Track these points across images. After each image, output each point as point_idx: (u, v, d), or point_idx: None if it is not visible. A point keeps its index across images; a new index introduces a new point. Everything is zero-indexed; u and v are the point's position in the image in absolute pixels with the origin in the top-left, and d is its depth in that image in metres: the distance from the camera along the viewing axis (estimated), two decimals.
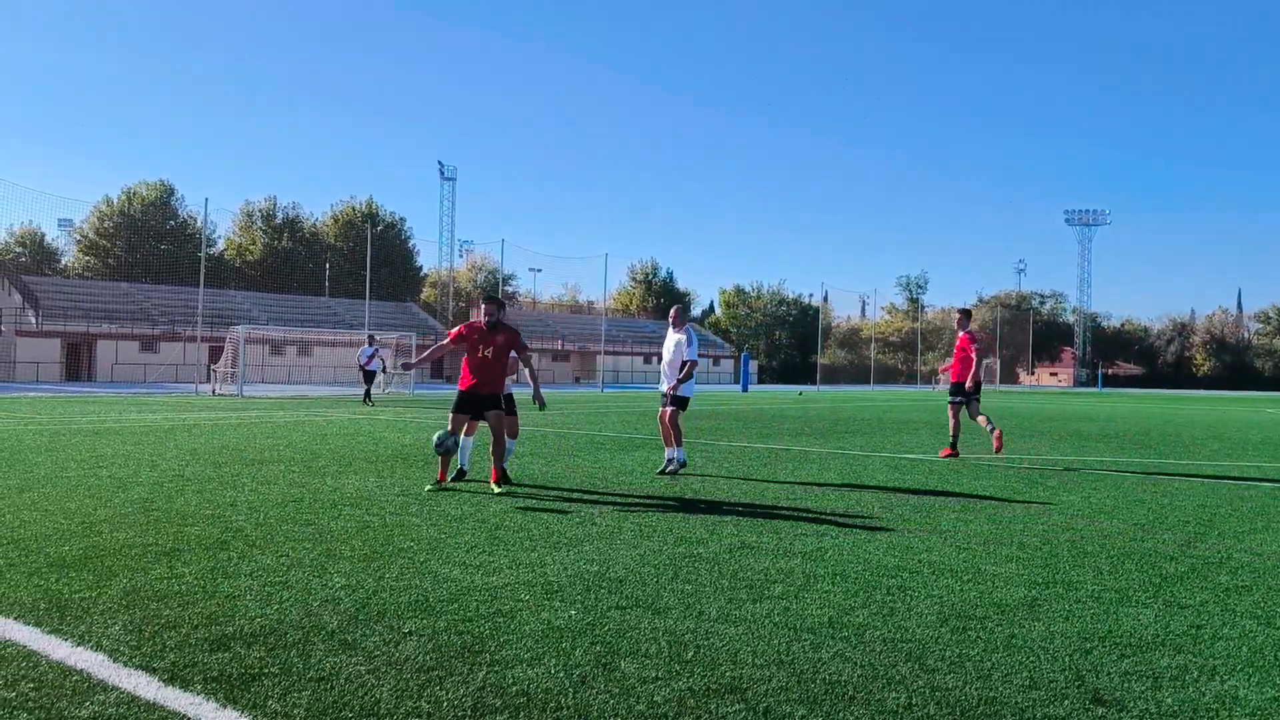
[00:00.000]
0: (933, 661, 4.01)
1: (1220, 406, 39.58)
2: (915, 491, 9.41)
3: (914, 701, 3.56)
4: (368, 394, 27.39)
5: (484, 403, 9.09)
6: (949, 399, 13.38)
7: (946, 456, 12.91)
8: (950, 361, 13.69)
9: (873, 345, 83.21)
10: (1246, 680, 3.86)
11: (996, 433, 12.80)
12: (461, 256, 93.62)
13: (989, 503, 8.72)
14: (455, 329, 9.53)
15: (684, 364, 10.60)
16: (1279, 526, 7.65)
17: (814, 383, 68.93)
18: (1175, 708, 3.54)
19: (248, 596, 4.84)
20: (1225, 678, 3.88)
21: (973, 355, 13.26)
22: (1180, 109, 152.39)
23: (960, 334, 13.62)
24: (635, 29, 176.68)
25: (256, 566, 5.52)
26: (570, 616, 4.59)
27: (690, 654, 4.06)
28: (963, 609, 4.87)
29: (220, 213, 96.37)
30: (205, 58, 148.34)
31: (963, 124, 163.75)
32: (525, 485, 9.30)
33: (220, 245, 75.91)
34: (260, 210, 78.65)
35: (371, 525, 6.94)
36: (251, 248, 77.12)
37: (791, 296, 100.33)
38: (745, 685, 3.70)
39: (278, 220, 78.52)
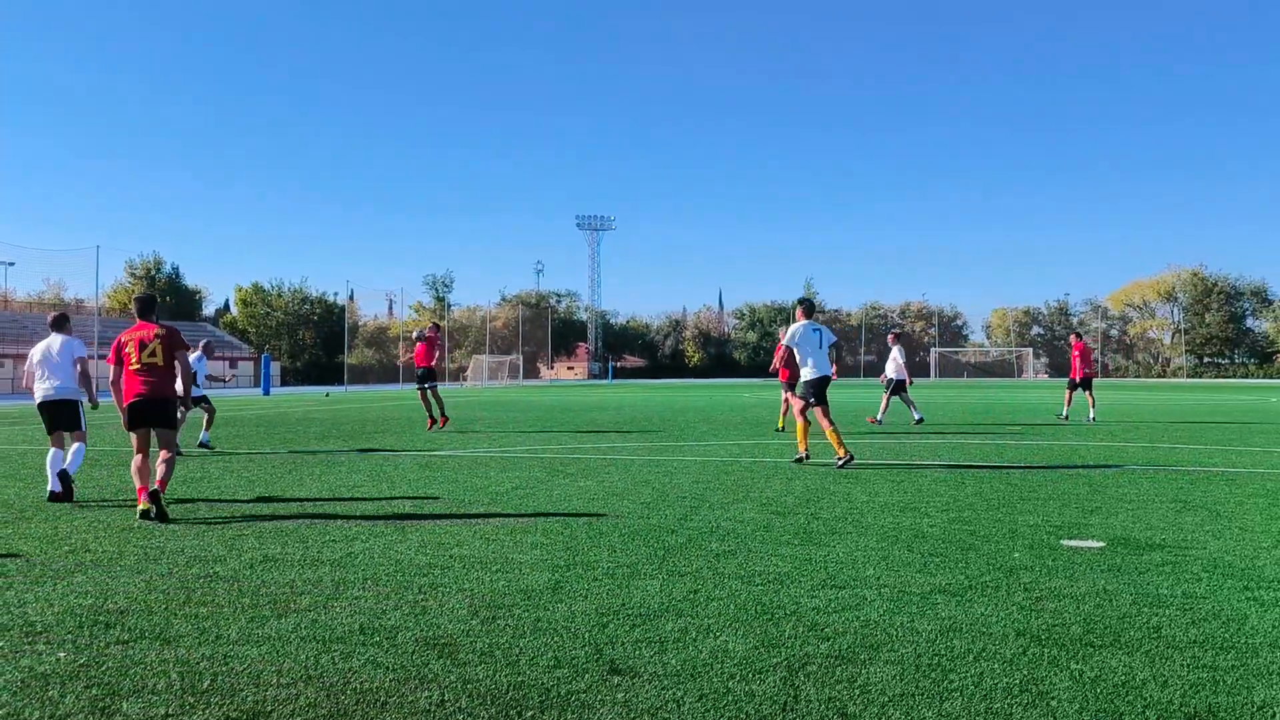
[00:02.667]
0: (464, 655, 4.07)
1: (707, 392, 44.99)
2: (445, 487, 9.52)
3: (446, 697, 3.58)
4: None
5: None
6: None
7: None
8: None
9: (401, 344, 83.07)
10: (735, 634, 4.39)
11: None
12: None
13: (516, 493, 9.07)
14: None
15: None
16: (755, 496, 8.83)
17: (342, 383, 67.18)
18: (679, 667, 3.93)
19: None
20: (718, 634, 4.38)
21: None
22: (674, 128, 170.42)
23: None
24: (101, 16, 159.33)
25: None
26: (59, 659, 4.01)
27: (206, 683, 3.73)
28: (492, 599, 5.00)
29: None
30: None
31: (481, 124, 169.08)
32: None
33: None
34: None
35: None
36: None
37: (316, 295, 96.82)
38: (270, 708, 3.48)
39: None
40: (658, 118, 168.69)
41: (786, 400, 16.78)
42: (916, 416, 19.81)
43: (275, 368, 66.38)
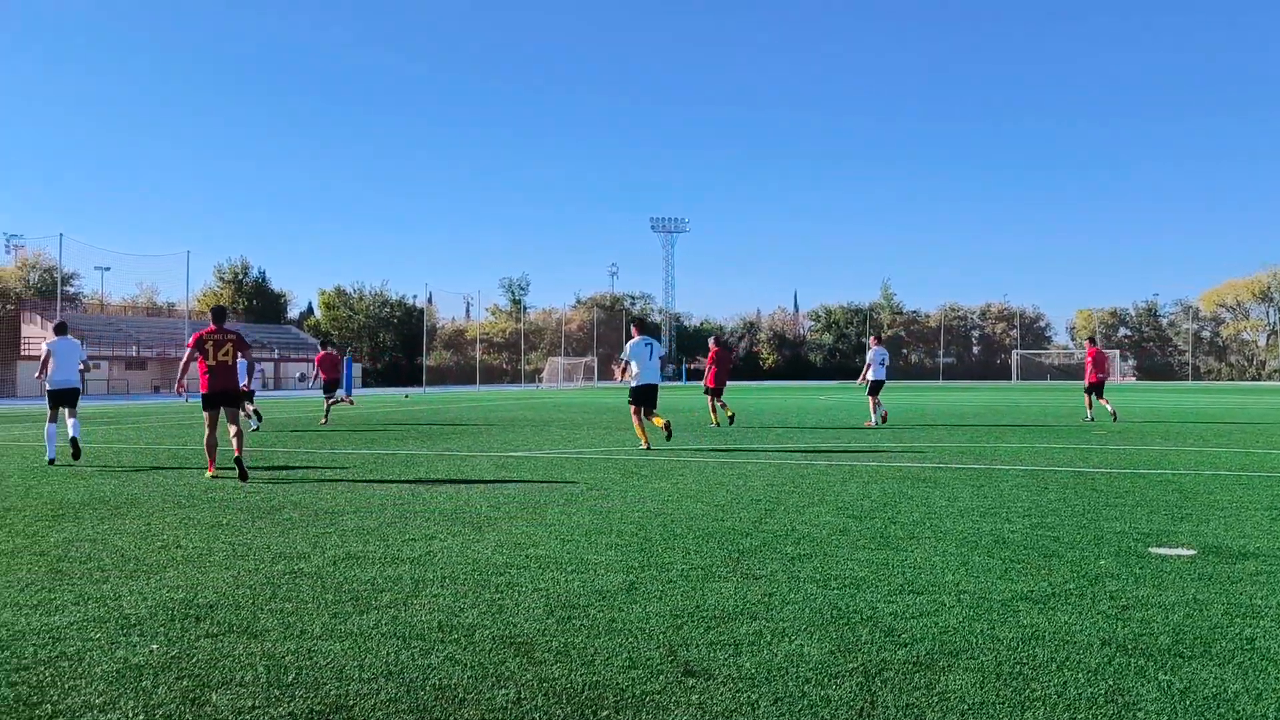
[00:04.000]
0: (540, 653, 4.12)
1: (781, 395, 44.71)
2: (521, 488, 9.63)
3: (523, 695, 3.62)
4: None
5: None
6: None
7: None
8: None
9: (478, 346, 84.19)
10: (810, 638, 4.35)
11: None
12: (9, 253, 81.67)
13: (590, 494, 9.13)
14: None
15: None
16: (831, 500, 8.75)
17: (420, 385, 68.36)
18: (754, 670, 3.91)
19: None
20: (794, 638, 4.35)
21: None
22: (751, 128, 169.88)
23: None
24: (189, 9, 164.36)
25: None
26: (151, 651, 4.15)
27: (291, 677, 3.83)
28: (568, 599, 5.04)
29: None
30: None
31: (557, 129, 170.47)
32: (95, 509, 8.30)
33: None
34: None
35: None
36: None
37: (395, 298, 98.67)
38: (352, 702, 3.56)
39: None
40: (733, 119, 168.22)
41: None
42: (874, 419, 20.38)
43: (356, 369, 67.80)
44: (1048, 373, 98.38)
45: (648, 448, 14.07)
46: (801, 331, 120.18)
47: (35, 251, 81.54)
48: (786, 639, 4.33)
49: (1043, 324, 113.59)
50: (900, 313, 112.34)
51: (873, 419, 20.31)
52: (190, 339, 11.35)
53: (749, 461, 12.36)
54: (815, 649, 4.19)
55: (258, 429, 18.79)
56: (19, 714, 3.42)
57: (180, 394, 11.87)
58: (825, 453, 13.62)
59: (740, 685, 3.74)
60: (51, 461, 12.18)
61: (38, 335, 64.11)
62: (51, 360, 12.99)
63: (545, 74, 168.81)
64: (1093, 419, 21.49)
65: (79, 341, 13.64)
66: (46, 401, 12.87)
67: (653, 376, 14.67)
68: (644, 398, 14.58)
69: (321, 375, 23.15)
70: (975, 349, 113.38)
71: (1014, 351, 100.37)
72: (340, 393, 23.51)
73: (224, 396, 10.92)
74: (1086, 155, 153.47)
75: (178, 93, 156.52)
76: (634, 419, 14.70)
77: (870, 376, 20.52)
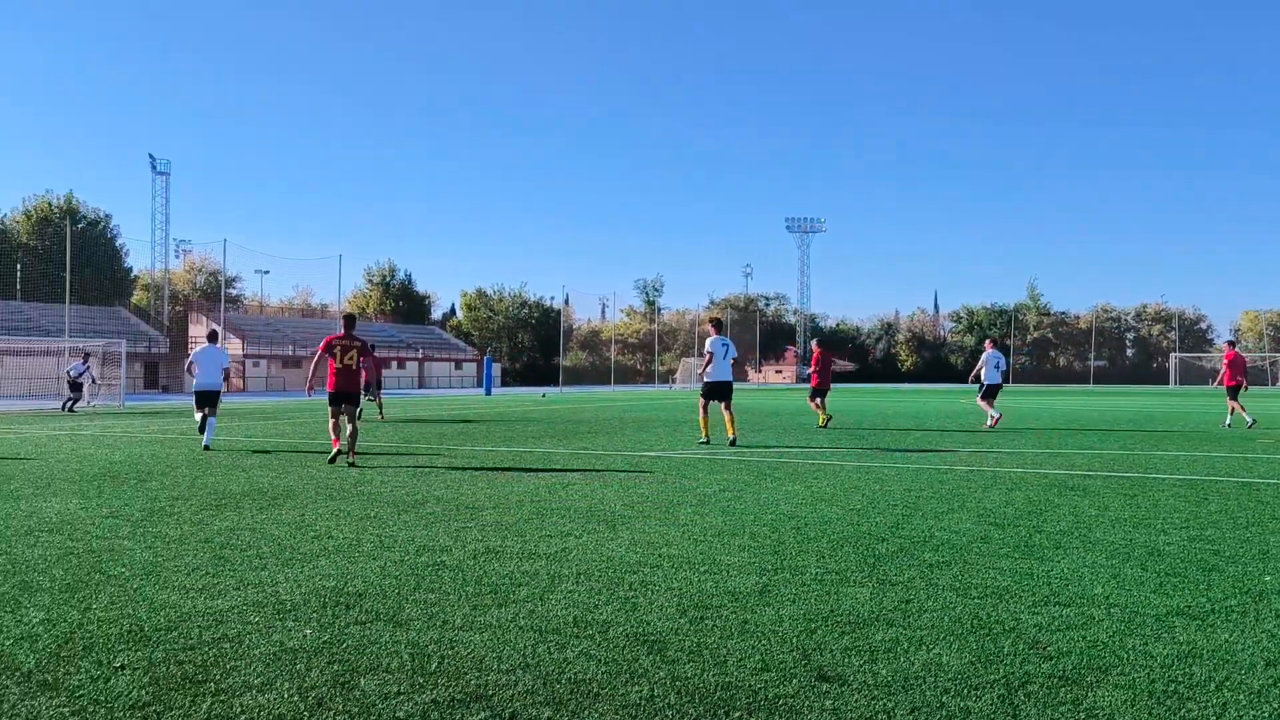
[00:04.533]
0: (673, 652, 4.14)
1: (920, 398, 43.59)
2: (654, 488, 9.70)
3: (656, 693, 3.66)
4: (72, 404, 28.11)
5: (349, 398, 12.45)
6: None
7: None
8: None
9: (613, 346, 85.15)
10: (949, 647, 4.25)
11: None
12: (178, 257, 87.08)
13: (723, 496, 9.13)
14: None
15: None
16: (972, 507, 8.50)
17: (557, 384, 69.62)
18: (889, 678, 3.84)
19: None
20: (931, 646, 4.26)
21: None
22: (884, 126, 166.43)
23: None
24: (366, 8, 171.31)
25: None
26: (305, 636, 4.37)
27: (434, 665, 3.97)
28: (700, 599, 5.06)
29: None
30: None
31: (691, 131, 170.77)
32: (254, 499, 8.78)
33: None
34: None
35: (75, 552, 6.30)
36: None
37: (533, 299, 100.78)
38: (491, 692, 3.66)
39: None
40: (870, 117, 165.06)
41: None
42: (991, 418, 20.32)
43: (496, 369, 69.55)
44: (1209, 377, 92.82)
45: (706, 440, 15.25)
46: (942, 333, 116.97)
47: (202, 256, 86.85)
48: (924, 647, 4.24)
49: (1204, 326, 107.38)
50: (1047, 313, 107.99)
51: (988, 421, 20.30)
52: (322, 343, 12.61)
53: (885, 466, 12.12)
54: (954, 658, 4.08)
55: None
56: (186, 691, 3.65)
57: (309, 393, 13.67)
58: (965, 457, 13.23)
59: (875, 692, 3.68)
60: (206, 448, 14.10)
61: (203, 335, 68.18)
62: (195, 366, 15.16)
63: (684, 75, 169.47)
64: (1230, 425, 21.19)
65: (224, 349, 15.79)
66: (194, 400, 15.17)
67: (725, 374, 15.67)
68: (716, 392, 15.60)
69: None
70: (1129, 352, 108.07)
71: (1172, 355, 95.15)
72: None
73: (345, 396, 12.32)
74: (1247, 153, 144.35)
75: (334, 103, 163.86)
76: (700, 411, 15.86)
77: (984, 380, 20.70)
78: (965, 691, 3.69)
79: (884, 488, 9.77)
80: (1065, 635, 4.42)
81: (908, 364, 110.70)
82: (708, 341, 15.99)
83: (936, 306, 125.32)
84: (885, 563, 6.02)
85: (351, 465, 11.77)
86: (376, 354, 28.23)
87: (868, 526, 7.38)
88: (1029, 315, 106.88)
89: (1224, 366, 22.03)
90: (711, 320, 16.62)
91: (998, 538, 6.90)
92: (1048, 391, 61.28)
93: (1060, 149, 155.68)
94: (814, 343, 23.06)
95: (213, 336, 15.80)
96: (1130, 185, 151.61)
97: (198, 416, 14.80)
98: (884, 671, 3.91)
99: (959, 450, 14.49)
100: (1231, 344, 23.33)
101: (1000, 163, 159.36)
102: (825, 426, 19.87)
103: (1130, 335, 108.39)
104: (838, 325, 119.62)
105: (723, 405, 15.43)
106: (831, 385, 21.70)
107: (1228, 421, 21.54)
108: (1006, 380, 20.51)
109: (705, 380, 15.83)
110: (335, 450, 12.06)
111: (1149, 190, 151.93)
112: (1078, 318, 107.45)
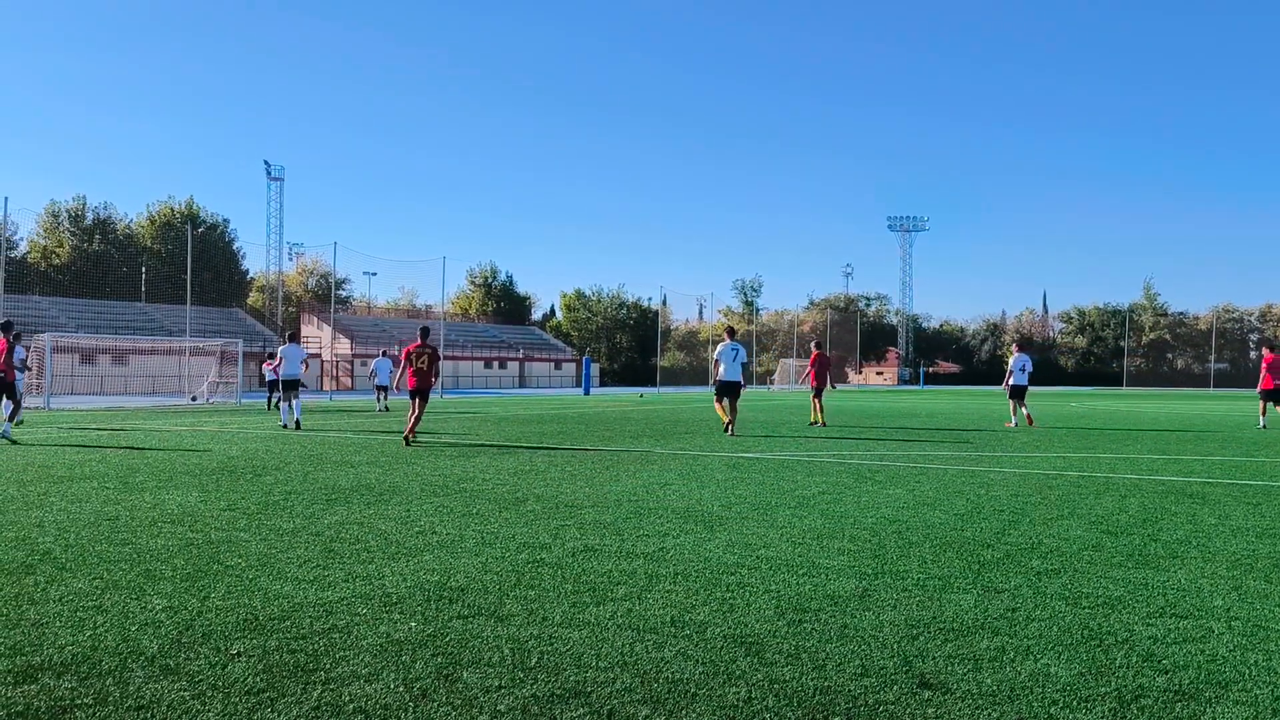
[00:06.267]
0: (771, 655, 4.12)
1: (1028, 401, 42.25)
2: (752, 489, 9.65)
3: (753, 695, 3.64)
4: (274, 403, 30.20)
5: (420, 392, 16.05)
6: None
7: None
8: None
9: (710, 347, 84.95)
10: (1057, 658, 4.12)
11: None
12: (291, 260, 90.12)
13: (822, 498, 9.03)
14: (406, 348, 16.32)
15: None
16: (1083, 513, 8.22)
17: (654, 385, 69.82)
18: (994, 687, 3.75)
19: (57, 623, 4.51)
20: (1039, 656, 4.14)
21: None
22: (993, 122, 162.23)
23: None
24: (468, 20, 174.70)
25: (67, 591, 5.15)
26: (410, 628, 4.49)
27: (534, 660, 4.03)
28: (799, 602, 5.02)
29: (22, 213, 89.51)
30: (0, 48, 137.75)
31: (792, 131, 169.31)
32: (362, 495, 9.05)
33: (23, 248, 70.57)
34: (68, 210, 73.42)
35: (195, 543, 6.59)
36: (58, 250, 71.96)
37: (631, 300, 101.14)
38: (589, 689, 3.70)
39: (87, 221, 73.55)
40: (974, 113, 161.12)
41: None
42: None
43: (594, 369, 70.14)
44: None
45: (728, 423, 17.94)
46: (1051, 334, 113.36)
47: (313, 258, 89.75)
48: (1031, 657, 4.12)
49: None
50: (1164, 314, 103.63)
51: (1013, 420, 21.70)
52: (403, 352, 16.49)
53: (991, 470, 11.81)
54: (1063, 669, 3.96)
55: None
56: (298, 679, 3.79)
57: (398, 391, 17.30)
58: (1076, 462, 12.80)
59: (980, 701, 3.59)
60: (285, 427, 19.06)
61: (314, 335, 70.44)
62: (281, 359, 20.78)
63: (785, 71, 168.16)
64: (1265, 426, 21.36)
65: (303, 346, 20.97)
66: (280, 388, 20.76)
67: (734, 375, 18.54)
68: (725, 390, 18.53)
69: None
70: (1254, 354, 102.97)
71: None
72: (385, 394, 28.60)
73: (419, 392, 15.92)
74: None
75: (436, 109, 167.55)
76: (716, 404, 19.23)
77: (1012, 382, 21.85)
78: (1075, 704, 3.58)
79: (989, 492, 9.53)
80: (1182, 648, 4.25)
81: None
82: (717, 348, 19.02)
83: (1045, 307, 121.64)
84: (990, 569, 5.87)
85: (410, 444, 14.88)
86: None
87: (972, 532, 7.21)
88: (1144, 316, 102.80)
89: (1263, 369, 22.09)
90: (726, 329, 19.55)
91: (1110, 546, 6.67)
92: (1164, 395, 58.89)
93: (1176, 141, 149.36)
94: (812, 344, 24.84)
95: (294, 337, 21.74)
96: (1254, 179, 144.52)
97: (283, 404, 19.69)
98: (989, 680, 3.82)
99: (1068, 455, 14.03)
100: (1273, 347, 23.19)
101: (1111, 158, 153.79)
102: (816, 425, 21.27)
103: (1254, 337, 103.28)
104: (941, 326, 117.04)
105: (729, 401, 18.28)
106: (830, 386, 23.71)
107: (1262, 424, 21.55)
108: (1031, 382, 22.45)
109: (717, 380, 18.77)
110: (408, 431, 15.32)
111: (1270, 180, 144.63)
112: (1197, 319, 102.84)
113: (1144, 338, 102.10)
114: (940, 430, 19.95)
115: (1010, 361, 22.23)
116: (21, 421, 20.69)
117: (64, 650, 4.10)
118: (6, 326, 15.96)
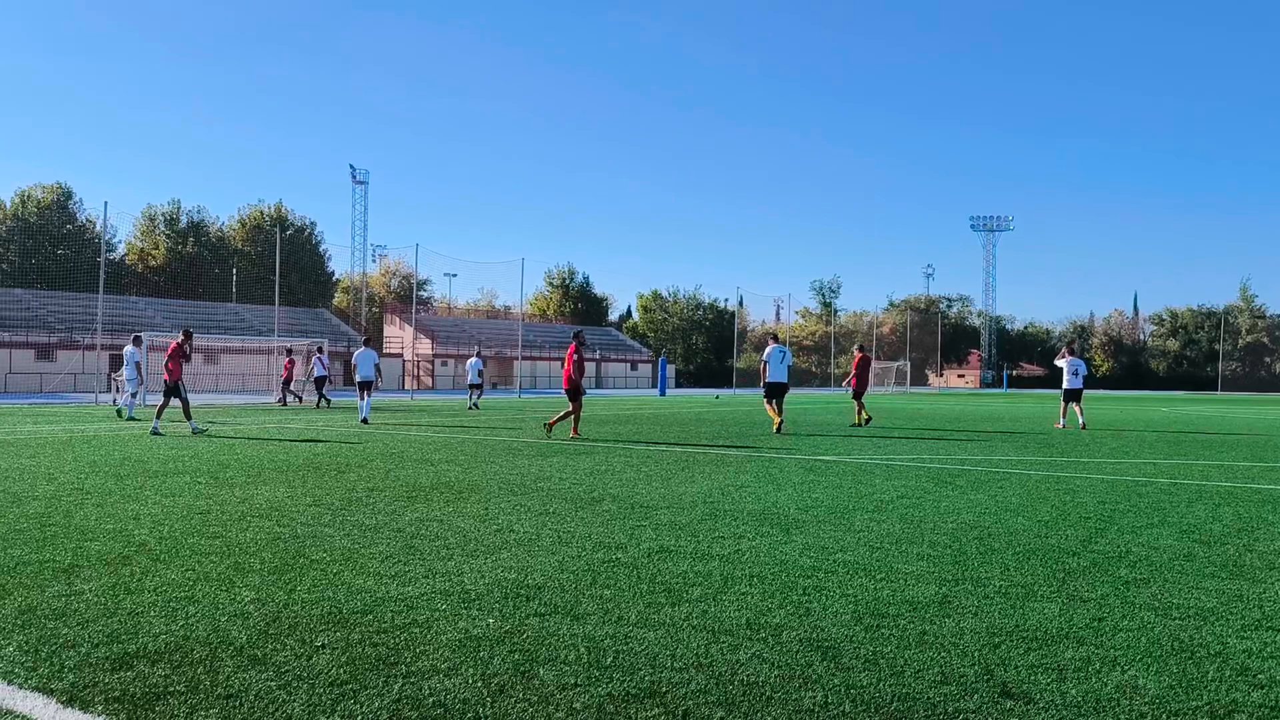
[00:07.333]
0: (848, 660, 4.08)
1: (1117, 405, 41.12)
2: (829, 492, 9.56)
3: (830, 700, 3.61)
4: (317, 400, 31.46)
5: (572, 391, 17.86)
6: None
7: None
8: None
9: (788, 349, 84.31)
10: (1146, 670, 4.00)
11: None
12: (375, 261, 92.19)
13: (901, 502, 8.90)
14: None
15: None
16: (1174, 522, 7.97)
17: (731, 386, 69.57)
18: (1079, 698, 3.66)
19: (151, 613, 4.69)
20: (1126, 668, 4.02)
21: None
22: (1080, 119, 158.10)
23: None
24: (551, 22, 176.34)
25: (161, 581, 5.34)
26: (488, 625, 4.55)
27: (609, 659, 4.05)
28: (876, 607, 4.96)
29: (121, 216, 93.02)
30: (101, 56, 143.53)
31: (871, 132, 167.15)
32: (441, 492, 9.20)
33: (121, 250, 73.35)
34: (163, 214, 76.19)
35: (282, 537, 6.78)
36: (154, 253, 74.67)
37: (708, 301, 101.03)
38: (664, 689, 3.71)
39: (182, 224, 76.15)
40: (1061, 109, 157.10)
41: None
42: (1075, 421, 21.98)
43: (670, 370, 70.16)
44: None
45: (779, 423, 18.88)
46: (1142, 337, 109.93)
47: (396, 260, 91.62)
48: (1118, 668, 4.01)
49: None
50: (1263, 316, 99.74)
51: (1062, 421, 22.57)
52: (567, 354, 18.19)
53: (1077, 475, 11.51)
54: (1152, 682, 3.84)
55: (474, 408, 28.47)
56: (380, 672, 3.87)
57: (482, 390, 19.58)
58: (1166, 469, 12.40)
59: (1065, 713, 3.51)
60: (364, 420, 20.94)
61: (396, 335, 71.76)
62: (355, 364, 22.48)
63: (864, 66, 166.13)
64: None
65: (375, 351, 23.30)
66: (356, 389, 22.55)
67: (780, 376, 19.88)
68: (773, 391, 19.74)
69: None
70: None
71: None
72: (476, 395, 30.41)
73: (571, 390, 17.68)
74: None
75: (514, 113, 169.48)
76: (765, 405, 20.00)
77: (1065, 385, 22.58)
78: (1164, 717, 3.47)
79: (1075, 499, 9.29)
80: (1279, 663, 4.09)
81: (1103, 369, 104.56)
82: (765, 351, 20.39)
83: (1136, 308, 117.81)
84: (1076, 578, 5.73)
85: (549, 434, 17.25)
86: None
87: (1057, 539, 7.03)
88: (1241, 318, 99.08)
89: None
90: (770, 334, 21.84)
91: (1203, 556, 6.44)
92: (1261, 400, 56.63)
93: (1272, 131, 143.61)
94: (855, 348, 25.78)
95: (368, 341, 23.54)
96: None
97: (360, 401, 21.80)
98: (1073, 691, 3.73)
99: (1158, 461, 13.60)
100: None
101: (1206, 153, 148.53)
102: (861, 424, 22.01)
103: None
104: (1026, 328, 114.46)
105: (778, 400, 19.54)
106: (869, 388, 24.83)
107: None
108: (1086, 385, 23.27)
109: (766, 382, 19.93)
110: (574, 436, 16.98)
111: None
112: None
113: (1240, 340, 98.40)
114: (1023, 434, 19.49)
115: (1063, 365, 22.81)
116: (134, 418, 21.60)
117: (158, 639, 4.25)
118: (188, 334, 18.54)
